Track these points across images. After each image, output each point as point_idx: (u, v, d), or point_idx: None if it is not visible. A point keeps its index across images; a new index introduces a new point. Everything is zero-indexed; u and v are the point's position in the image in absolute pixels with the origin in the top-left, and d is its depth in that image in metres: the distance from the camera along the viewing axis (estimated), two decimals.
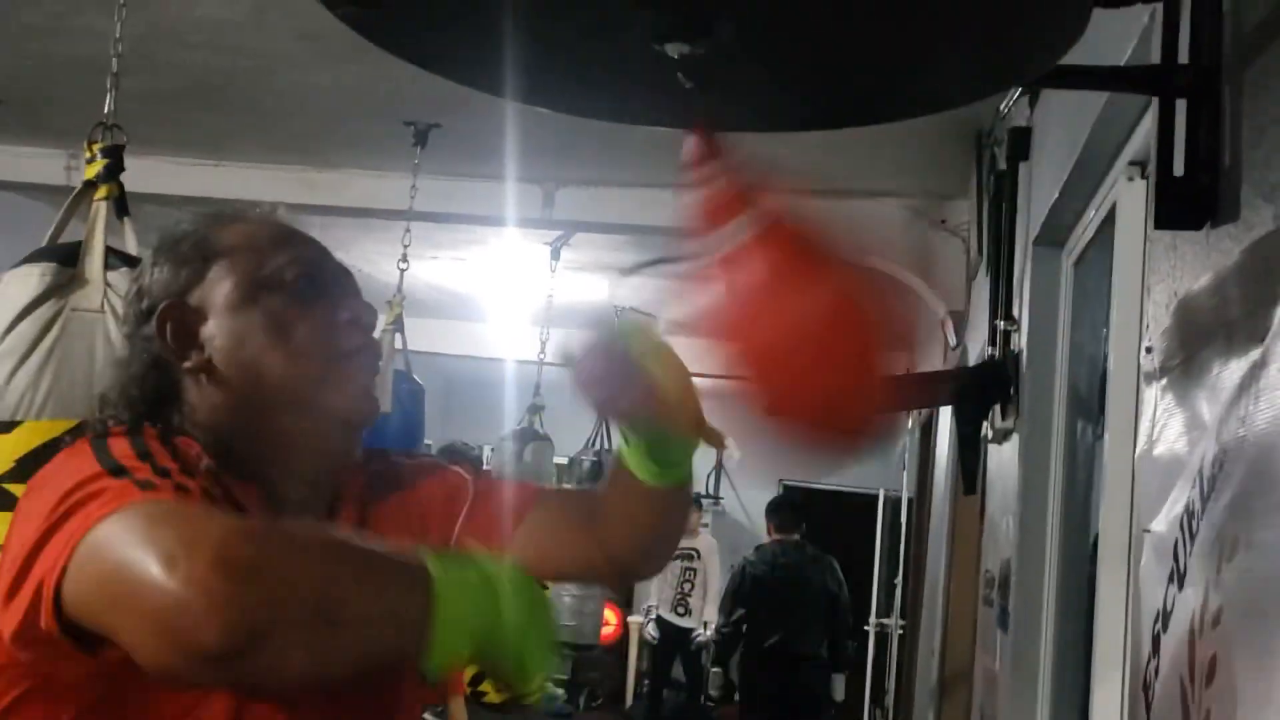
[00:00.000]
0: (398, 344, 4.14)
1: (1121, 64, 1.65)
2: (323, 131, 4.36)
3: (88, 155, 2.49)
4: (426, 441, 4.96)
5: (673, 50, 1.06)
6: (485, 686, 7.09)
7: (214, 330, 1.10)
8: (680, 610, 8.59)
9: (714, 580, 8.74)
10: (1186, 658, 1.17)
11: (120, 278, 2.45)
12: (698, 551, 8.72)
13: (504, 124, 4.07)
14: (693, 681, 8.69)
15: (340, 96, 3.94)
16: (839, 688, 8.06)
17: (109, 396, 1.13)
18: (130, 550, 0.84)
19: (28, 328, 2.35)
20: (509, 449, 5.29)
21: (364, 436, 1.22)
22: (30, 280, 2.41)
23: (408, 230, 4.34)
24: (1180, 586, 1.23)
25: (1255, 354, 1.07)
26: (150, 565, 0.80)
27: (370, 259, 6.42)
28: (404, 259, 4.29)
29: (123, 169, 2.51)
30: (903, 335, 1.14)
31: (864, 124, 1.37)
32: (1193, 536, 1.20)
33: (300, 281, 1.12)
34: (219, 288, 1.11)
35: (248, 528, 0.88)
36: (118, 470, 0.95)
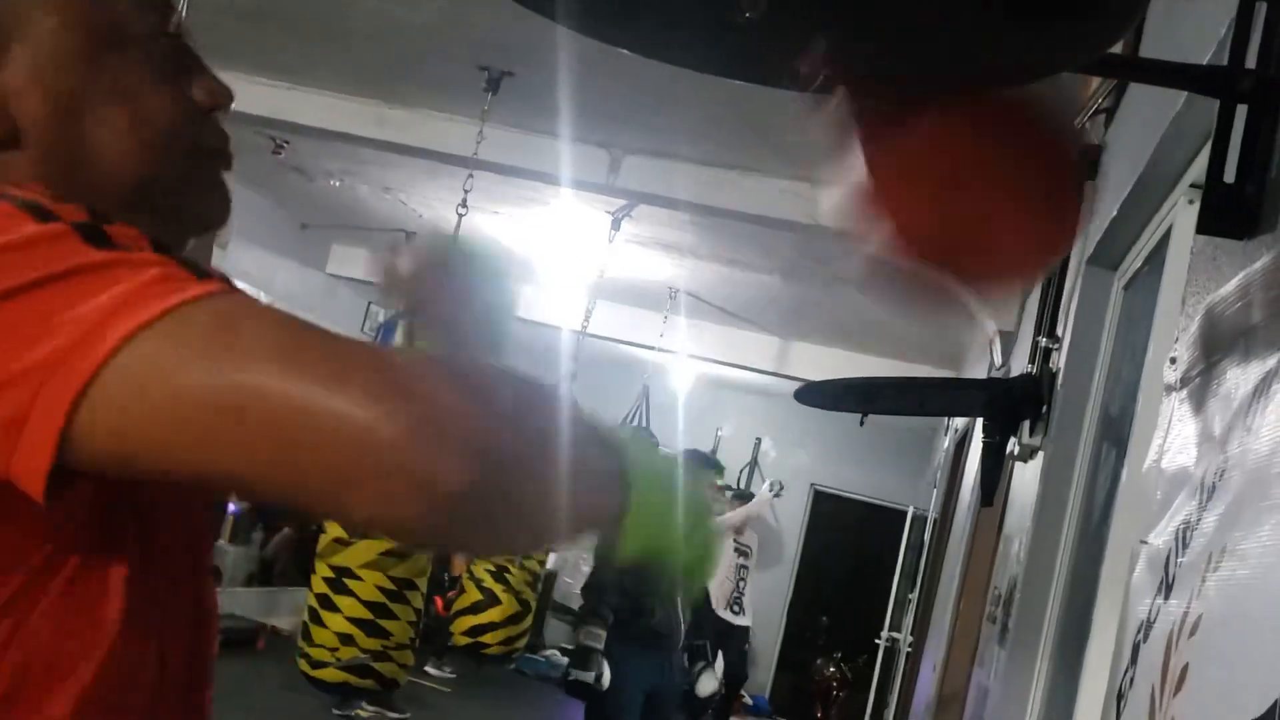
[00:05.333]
0: None
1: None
2: (397, 66, 4.37)
3: None
4: None
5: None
6: (487, 638, 7.10)
7: (24, 84, 0.76)
8: (735, 609, 8.22)
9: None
10: (1160, 666, 1.14)
11: None
12: (750, 549, 8.49)
13: (577, 80, 4.06)
14: (733, 678, 8.42)
15: (418, 33, 3.95)
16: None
17: None
18: (267, 378, 0.61)
19: None
20: None
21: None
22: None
23: (470, 176, 4.37)
24: (1166, 597, 1.20)
25: (1271, 362, 1.03)
26: (334, 397, 0.60)
27: (430, 203, 6.45)
28: (464, 204, 4.32)
29: None
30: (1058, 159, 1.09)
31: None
32: (1185, 547, 1.17)
33: (161, 40, 0.81)
34: (38, 26, 0.77)
35: (418, 356, 0.71)
36: (107, 243, 0.65)
